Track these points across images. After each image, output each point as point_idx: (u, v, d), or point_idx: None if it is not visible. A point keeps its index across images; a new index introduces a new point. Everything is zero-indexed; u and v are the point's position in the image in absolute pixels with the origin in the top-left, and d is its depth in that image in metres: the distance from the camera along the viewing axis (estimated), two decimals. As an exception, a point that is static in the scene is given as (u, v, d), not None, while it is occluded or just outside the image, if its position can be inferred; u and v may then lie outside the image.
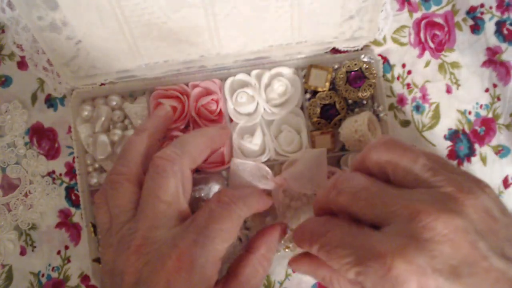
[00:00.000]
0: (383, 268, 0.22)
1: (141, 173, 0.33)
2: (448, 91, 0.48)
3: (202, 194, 0.36)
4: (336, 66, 0.46)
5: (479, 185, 0.24)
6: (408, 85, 0.49)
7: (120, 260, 0.29)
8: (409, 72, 0.49)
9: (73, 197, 0.49)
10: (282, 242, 0.44)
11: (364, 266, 0.23)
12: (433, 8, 0.49)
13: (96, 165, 0.46)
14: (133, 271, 0.28)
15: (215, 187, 0.40)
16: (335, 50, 0.48)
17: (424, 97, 0.48)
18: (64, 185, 0.49)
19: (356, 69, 0.45)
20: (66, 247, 0.48)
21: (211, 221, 0.29)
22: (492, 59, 0.48)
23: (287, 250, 0.44)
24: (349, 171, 0.29)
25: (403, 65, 0.49)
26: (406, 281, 0.21)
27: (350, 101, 0.45)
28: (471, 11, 0.49)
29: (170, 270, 0.27)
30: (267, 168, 0.40)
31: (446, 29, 0.49)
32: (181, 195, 0.31)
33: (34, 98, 0.50)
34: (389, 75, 0.49)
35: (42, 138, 0.49)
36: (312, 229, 0.28)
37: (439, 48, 0.49)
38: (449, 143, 0.48)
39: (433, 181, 0.24)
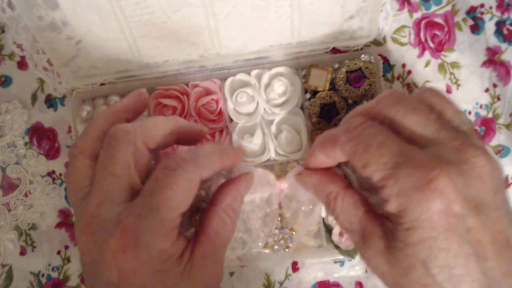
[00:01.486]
0: (425, 178, 0.22)
1: (99, 148, 0.31)
2: (448, 91, 0.48)
3: (203, 194, 0.35)
4: (336, 66, 0.46)
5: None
6: (408, 85, 0.49)
7: (77, 239, 0.28)
8: (409, 72, 0.49)
9: (73, 197, 0.49)
10: (282, 242, 0.44)
11: (403, 171, 0.23)
12: (433, 8, 0.49)
13: (96, 165, 0.46)
14: (86, 251, 0.27)
15: (216, 183, 0.40)
16: (335, 50, 0.48)
17: (424, 97, 0.48)
18: (64, 185, 0.49)
19: (356, 69, 0.45)
20: (66, 247, 0.48)
21: (155, 190, 0.27)
22: (492, 59, 0.48)
23: (286, 250, 0.44)
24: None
25: (403, 65, 0.49)
26: (439, 196, 0.22)
27: (350, 101, 0.45)
28: (471, 11, 0.49)
29: (115, 249, 0.25)
30: (272, 176, 0.39)
31: (446, 29, 0.49)
32: (132, 168, 0.29)
33: (34, 98, 0.50)
34: (389, 75, 0.49)
35: (42, 138, 0.49)
36: (347, 125, 0.27)
37: (439, 48, 0.49)
38: (449, 143, 0.48)
39: (470, 134, 0.26)
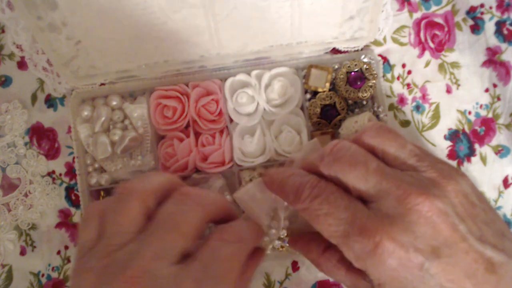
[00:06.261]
0: (371, 244, 0.24)
1: (155, 202, 0.28)
2: (448, 91, 0.48)
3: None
4: (336, 67, 0.46)
5: (458, 173, 0.26)
6: (408, 85, 0.49)
7: (85, 277, 0.24)
8: (409, 72, 0.49)
9: (73, 197, 0.49)
10: (277, 241, 0.44)
11: (351, 239, 0.24)
12: (433, 8, 0.49)
13: (96, 165, 0.46)
14: None
15: (215, 184, 0.39)
16: (335, 50, 0.48)
17: (424, 97, 0.48)
18: (64, 185, 0.49)
19: (356, 69, 0.45)
20: (66, 247, 0.48)
21: (217, 259, 0.25)
22: (492, 59, 0.48)
23: (282, 249, 0.44)
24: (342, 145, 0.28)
25: (403, 65, 0.49)
26: (390, 257, 0.23)
27: (350, 102, 0.45)
28: (471, 11, 0.49)
29: None
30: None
31: (446, 29, 0.49)
32: (199, 232, 0.27)
33: (34, 98, 0.50)
34: (389, 75, 0.49)
35: (42, 138, 0.49)
36: (299, 186, 0.27)
37: (439, 48, 0.49)
38: (449, 143, 0.48)
39: (418, 166, 0.26)
